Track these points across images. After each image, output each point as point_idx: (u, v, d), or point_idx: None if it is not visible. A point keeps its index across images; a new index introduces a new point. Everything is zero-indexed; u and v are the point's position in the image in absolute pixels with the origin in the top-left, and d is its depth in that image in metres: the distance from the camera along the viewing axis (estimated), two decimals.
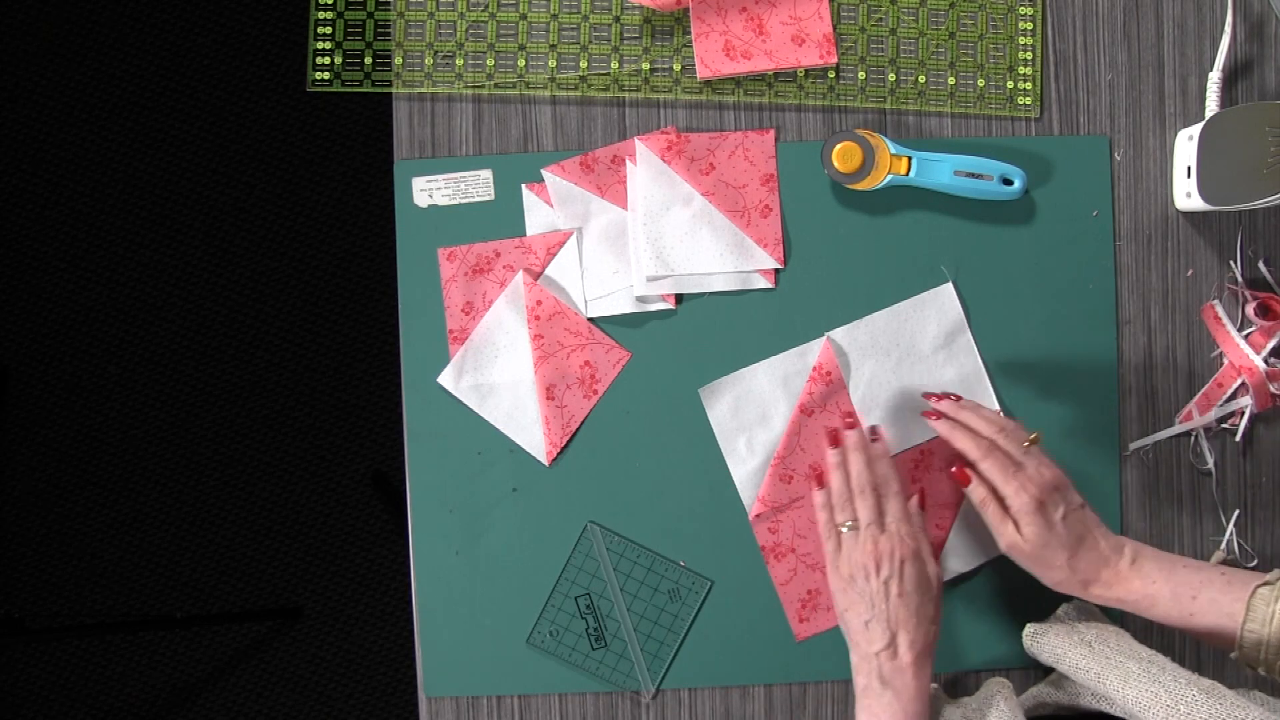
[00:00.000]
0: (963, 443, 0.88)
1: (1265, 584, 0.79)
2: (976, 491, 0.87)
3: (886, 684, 0.82)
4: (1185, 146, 0.96)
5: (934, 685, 0.92)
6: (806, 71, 0.99)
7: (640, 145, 0.98)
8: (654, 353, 0.98)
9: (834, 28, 0.98)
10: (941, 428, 0.90)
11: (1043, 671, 0.96)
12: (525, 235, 0.98)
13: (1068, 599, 0.94)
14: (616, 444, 0.98)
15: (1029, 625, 0.90)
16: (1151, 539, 0.99)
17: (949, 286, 0.98)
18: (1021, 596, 0.98)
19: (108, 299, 1.81)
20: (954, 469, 0.89)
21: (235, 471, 1.82)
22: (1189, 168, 0.95)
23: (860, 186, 0.96)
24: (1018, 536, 0.84)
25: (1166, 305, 0.99)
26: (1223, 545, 0.98)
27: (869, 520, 0.87)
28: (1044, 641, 0.88)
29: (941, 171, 0.96)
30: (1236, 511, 0.98)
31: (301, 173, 1.81)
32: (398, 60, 0.99)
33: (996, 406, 0.98)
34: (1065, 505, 0.84)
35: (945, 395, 0.93)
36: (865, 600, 0.84)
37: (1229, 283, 0.99)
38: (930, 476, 0.97)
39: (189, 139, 1.81)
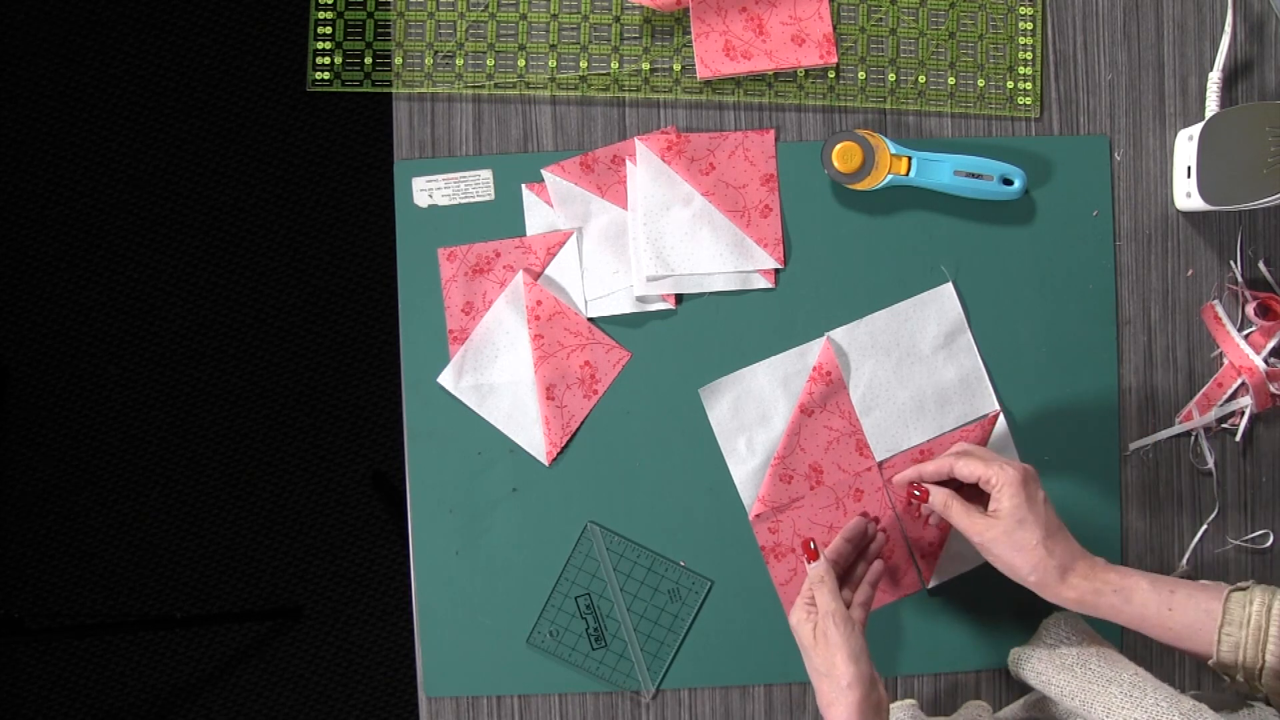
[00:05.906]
0: (931, 466, 0.89)
1: (1238, 589, 0.78)
2: (938, 496, 0.87)
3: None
4: (1185, 146, 0.96)
5: (912, 702, 0.92)
6: (806, 71, 0.99)
7: (640, 145, 0.97)
8: (654, 353, 0.98)
9: (834, 28, 0.98)
10: (910, 474, 0.91)
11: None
12: (525, 235, 0.98)
13: (1051, 610, 0.94)
14: (616, 444, 0.98)
15: (1014, 650, 0.90)
16: (1151, 539, 0.99)
17: (949, 286, 0.98)
18: (1015, 599, 0.97)
19: (108, 299, 1.81)
20: (909, 490, 0.89)
21: (235, 471, 1.82)
22: (1189, 168, 0.95)
23: (860, 186, 0.96)
24: (989, 519, 0.84)
25: (1166, 305, 0.99)
26: (1227, 544, 0.98)
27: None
28: (1029, 666, 0.88)
29: (941, 171, 0.96)
30: (1214, 514, 0.98)
31: (301, 173, 1.81)
32: (398, 60, 0.99)
33: (996, 406, 0.98)
34: (1043, 491, 0.84)
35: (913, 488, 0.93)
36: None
37: (1229, 283, 0.99)
38: None
39: (189, 139, 1.81)
